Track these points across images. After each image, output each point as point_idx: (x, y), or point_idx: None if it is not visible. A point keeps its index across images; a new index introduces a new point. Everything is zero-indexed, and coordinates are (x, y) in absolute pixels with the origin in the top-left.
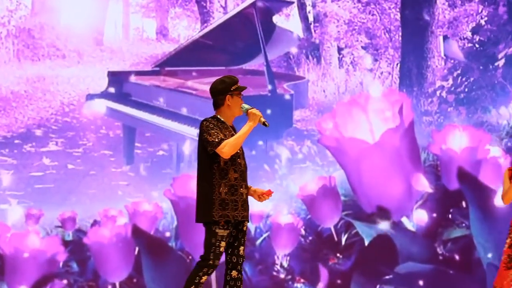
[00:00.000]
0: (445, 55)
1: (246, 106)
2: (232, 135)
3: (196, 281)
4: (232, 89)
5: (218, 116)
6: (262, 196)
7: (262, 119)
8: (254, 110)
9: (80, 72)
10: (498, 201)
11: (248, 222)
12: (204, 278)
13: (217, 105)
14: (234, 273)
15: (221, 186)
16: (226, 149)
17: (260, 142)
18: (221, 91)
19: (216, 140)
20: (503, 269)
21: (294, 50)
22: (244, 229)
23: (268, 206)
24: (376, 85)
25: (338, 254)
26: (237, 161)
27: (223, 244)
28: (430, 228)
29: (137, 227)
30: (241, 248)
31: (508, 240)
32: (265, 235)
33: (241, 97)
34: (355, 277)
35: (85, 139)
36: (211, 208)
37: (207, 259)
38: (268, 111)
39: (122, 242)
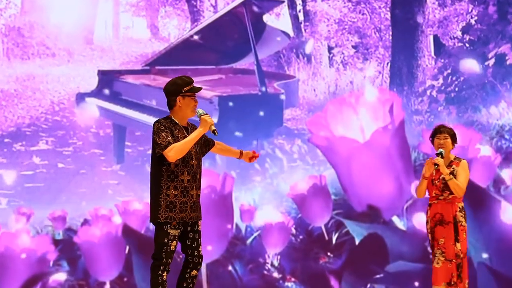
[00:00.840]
0: (434, 54)
1: (200, 111)
2: (185, 136)
3: (160, 281)
4: (183, 90)
5: (172, 117)
6: (252, 158)
7: (213, 127)
8: (206, 117)
9: (70, 71)
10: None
11: (201, 220)
12: (165, 275)
13: (170, 106)
14: (194, 272)
15: (170, 188)
16: (172, 153)
17: (254, 142)
18: (173, 92)
19: (164, 143)
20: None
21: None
22: (199, 229)
23: (259, 205)
24: (371, 88)
25: (328, 253)
26: (190, 162)
27: (174, 243)
28: (420, 227)
29: (128, 226)
30: (200, 248)
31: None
32: (255, 234)
33: (194, 99)
34: (345, 276)
35: (75, 138)
36: (158, 209)
37: (159, 258)
38: (259, 110)
39: (113, 241)
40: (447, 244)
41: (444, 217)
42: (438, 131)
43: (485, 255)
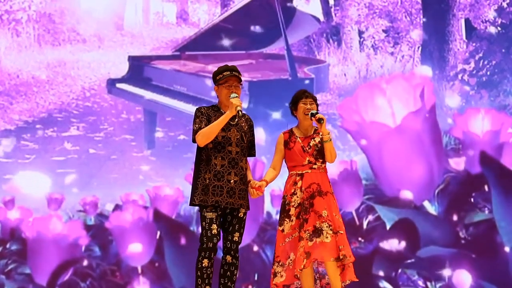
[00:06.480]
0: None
1: (232, 95)
2: (229, 123)
3: (200, 266)
4: (216, 79)
5: (218, 105)
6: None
7: (238, 108)
8: (234, 99)
9: (100, 56)
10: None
11: (245, 209)
12: (205, 261)
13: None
14: (228, 258)
15: (206, 172)
16: (199, 138)
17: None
18: (214, 83)
19: (195, 129)
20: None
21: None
22: (241, 216)
23: None
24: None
25: (359, 238)
26: (227, 148)
27: (214, 227)
28: (452, 212)
29: (159, 212)
30: (236, 234)
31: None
32: None
33: (225, 86)
34: (376, 261)
35: (106, 123)
36: (194, 192)
37: (202, 242)
38: (289, 95)
39: (144, 227)
40: (331, 216)
41: (321, 187)
42: (304, 96)
43: None
